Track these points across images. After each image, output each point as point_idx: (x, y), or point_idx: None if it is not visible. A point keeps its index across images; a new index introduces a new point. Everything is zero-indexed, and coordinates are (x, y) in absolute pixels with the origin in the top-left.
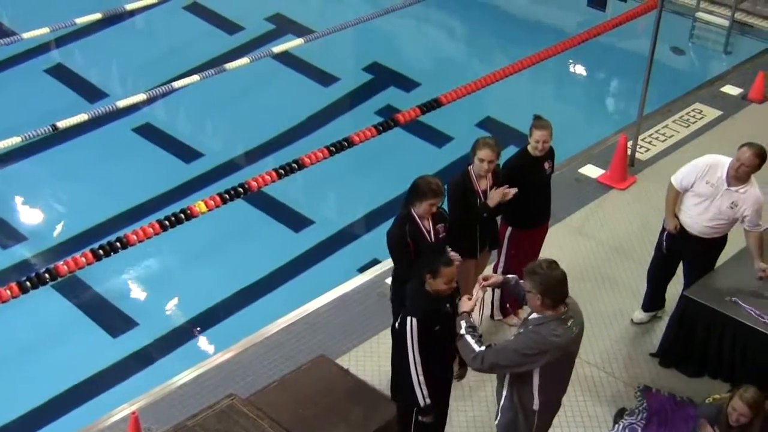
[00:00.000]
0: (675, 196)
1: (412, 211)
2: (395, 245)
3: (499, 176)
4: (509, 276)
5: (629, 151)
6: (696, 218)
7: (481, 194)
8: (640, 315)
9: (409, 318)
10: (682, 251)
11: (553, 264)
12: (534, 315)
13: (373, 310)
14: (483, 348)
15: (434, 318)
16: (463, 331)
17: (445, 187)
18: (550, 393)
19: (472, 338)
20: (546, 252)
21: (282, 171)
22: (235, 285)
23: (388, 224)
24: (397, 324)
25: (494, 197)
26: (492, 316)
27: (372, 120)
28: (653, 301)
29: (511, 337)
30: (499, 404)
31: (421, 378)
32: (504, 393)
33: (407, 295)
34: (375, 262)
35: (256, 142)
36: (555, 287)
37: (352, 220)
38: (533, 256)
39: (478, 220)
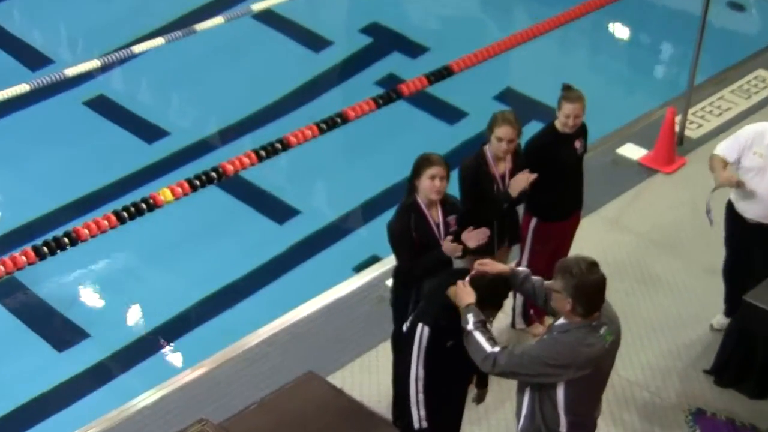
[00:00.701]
0: (721, 160)
1: (417, 199)
2: (397, 239)
3: (520, 158)
4: (519, 269)
5: (678, 128)
6: (752, 199)
7: (499, 180)
8: (721, 320)
9: (420, 325)
10: (748, 244)
11: (593, 266)
12: (561, 320)
13: (371, 317)
14: (497, 349)
15: (449, 332)
16: (470, 327)
17: (444, 173)
18: (579, 412)
19: (483, 335)
20: (577, 247)
21: (263, 152)
22: (207, 288)
23: (390, 215)
24: (404, 327)
25: (516, 184)
26: (513, 324)
27: (371, 92)
28: (734, 303)
29: (533, 342)
30: (518, 426)
31: (421, 396)
32: (524, 412)
33: (423, 296)
34: (374, 260)
35: (232, 118)
36: (590, 294)
37: (346, 210)
38: (562, 252)
39: (496, 212)
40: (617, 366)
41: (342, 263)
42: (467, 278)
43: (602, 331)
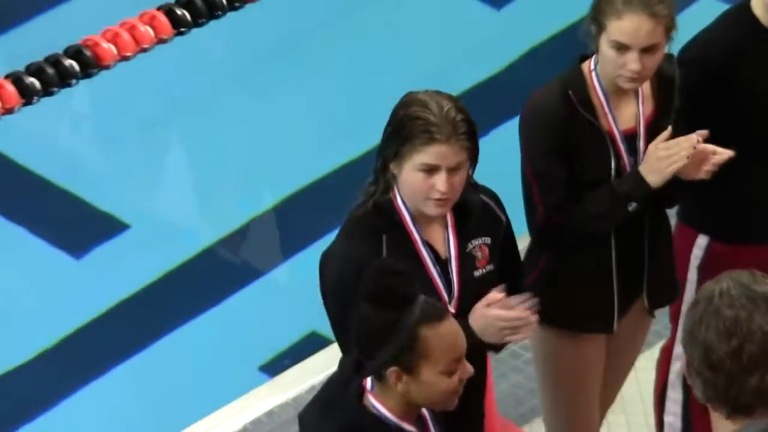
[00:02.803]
0: None
1: (397, 198)
2: (334, 290)
3: (672, 90)
4: None
5: None
6: None
7: (620, 143)
8: None
9: None
10: None
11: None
12: None
13: None
14: None
15: None
16: None
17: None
18: None
19: None
20: None
21: (35, 83)
22: None
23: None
24: None
25: (664, 155)
26: None
27: None
28: None
29: None
30: None
31: None
32: None
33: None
34: (312, 344)
35: None
36: None
37: (242, 221)
38: None
39: (612, 223)
40: None
41: (234, 353)
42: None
43: None
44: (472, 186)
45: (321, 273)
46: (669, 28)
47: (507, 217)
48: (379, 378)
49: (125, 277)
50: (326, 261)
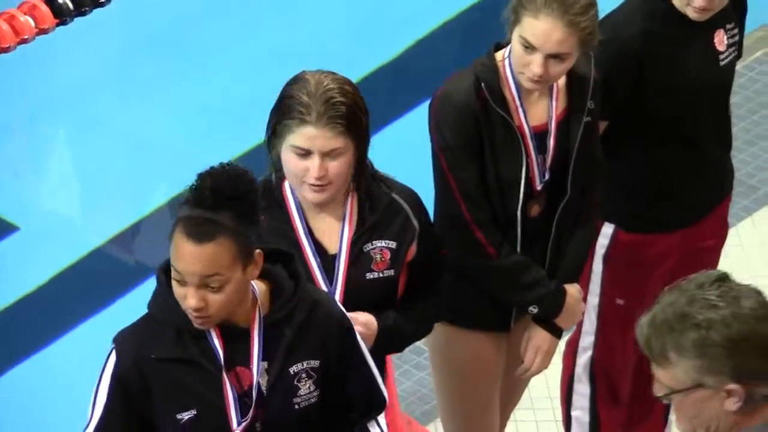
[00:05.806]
0: None
1: (285, 182)
2: None
3: (587, 89)
4: None
5: None
6: None
7: (531, 141)
8: None
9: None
10: None
11: (723, 281)
12: None
13: None
14: None
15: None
16: None
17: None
18: None
19: None
20: None
21: None
22: None
23: None
24: None
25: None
26: None
27: None
28: None
29: None
30: None
31: None
32: None
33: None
34: None
35: None
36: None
37: (136, 218)
38: None
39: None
40: None
41: None
42: None
43: None
44: (383, 183)
45: None
46: (585, 41)
47: (425, 224)
48: None
49: (14, 281)
50: None
